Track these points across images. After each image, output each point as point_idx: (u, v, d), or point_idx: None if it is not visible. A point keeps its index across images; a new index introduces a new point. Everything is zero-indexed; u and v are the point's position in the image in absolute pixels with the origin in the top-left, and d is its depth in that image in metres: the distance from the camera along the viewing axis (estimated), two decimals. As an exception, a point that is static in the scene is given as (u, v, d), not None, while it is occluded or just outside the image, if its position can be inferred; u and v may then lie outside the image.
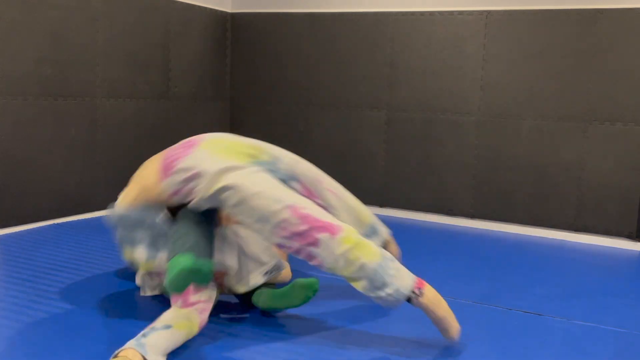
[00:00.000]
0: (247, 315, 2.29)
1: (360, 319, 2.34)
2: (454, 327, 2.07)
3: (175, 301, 1.98)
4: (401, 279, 2.03)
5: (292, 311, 2.37)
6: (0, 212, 3.35)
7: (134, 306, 2.38)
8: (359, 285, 2.03)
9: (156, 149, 2.58)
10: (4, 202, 3.37)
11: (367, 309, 2.45)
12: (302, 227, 2.00)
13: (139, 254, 2.25)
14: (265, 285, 2.32)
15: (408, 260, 3.22)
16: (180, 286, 1.90)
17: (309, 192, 2.35)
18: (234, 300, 2.43)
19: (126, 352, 1.78)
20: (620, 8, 3.74)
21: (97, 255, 2.99)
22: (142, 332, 1.87)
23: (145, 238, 2.23)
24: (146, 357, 1.77)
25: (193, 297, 1.98)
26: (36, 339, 2.02)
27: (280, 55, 4.76)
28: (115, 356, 1.78)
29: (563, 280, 2.97)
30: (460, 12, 4.14)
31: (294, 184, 2.33)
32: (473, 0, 4.11)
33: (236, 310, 2.34)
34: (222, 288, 2.27)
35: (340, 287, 2.72)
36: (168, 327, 1.88)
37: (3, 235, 3.29)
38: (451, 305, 2.54)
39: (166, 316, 1.93)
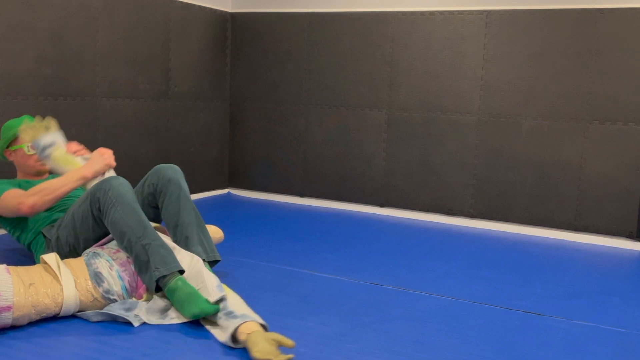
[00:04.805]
0: None
1: (359, 319, 2.34)
2: None
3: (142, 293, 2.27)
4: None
5: (291, 312, 2.38)
6: (0, 212, 3.35)
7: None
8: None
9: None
10: (4, 202, 3.37)
11: (366, 309, 2.45)
12: None
13: None
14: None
15: (408, 260, 3.23)
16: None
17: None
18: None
19: (250, 326, 1.96)
20: (620, 8, 3.74)
21: (97, 255, 2.99)
22: (230, 313, 2.04)
23: None
24: (259, 321, 2.01)
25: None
26: (37, 341, 2.02)
27: (280, 55, 4.76)
28: (245, 336, 1.93)
29: (563, 280, 2.97)
30: (461, 12, 4.14)
31: None
32: (473, 0, 4.11)
33: None
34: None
35: (338, 287, 2.72)
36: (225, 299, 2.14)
37: (3, 234, 3.29)
38: (451, 305, 2.55)
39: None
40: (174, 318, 2.19)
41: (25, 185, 2.67)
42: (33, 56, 3.44)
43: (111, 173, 2.59)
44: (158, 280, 2.19)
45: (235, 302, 2.13)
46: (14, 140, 2.71)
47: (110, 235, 2.42)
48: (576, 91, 3.89)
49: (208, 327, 2.14)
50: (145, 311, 2.19)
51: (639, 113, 3.76)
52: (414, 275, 2.93)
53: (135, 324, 2.14)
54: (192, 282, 2.21)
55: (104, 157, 2.54)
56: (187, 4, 4.47)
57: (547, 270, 3.14)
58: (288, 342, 1.91)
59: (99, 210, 2.31)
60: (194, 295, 2.13)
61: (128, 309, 2.18)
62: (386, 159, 4.46)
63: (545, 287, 2.84)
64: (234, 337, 1.99)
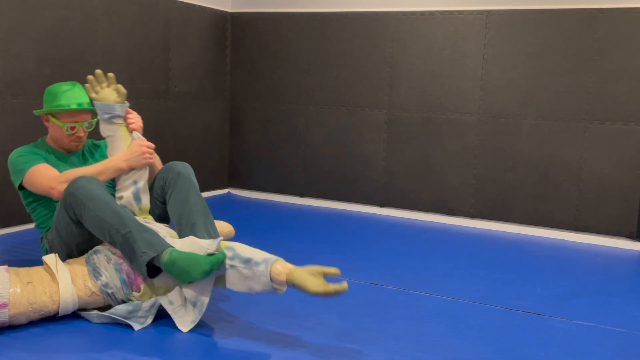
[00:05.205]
0: None
1: (359, 319, 2.34)
2: None
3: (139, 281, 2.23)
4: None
5: (291, 312, 2.38)
6: (0, 212, 3.35)
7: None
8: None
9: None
10: (4, 202, 3.37)
11: (366, 309, 2.45)
12: None
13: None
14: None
15: (408, 260, 3.23)
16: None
17: None
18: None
19: (280, 265, 2.01)
20: (620, 8, 3.74)
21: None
22: (248, 260, 2.05)
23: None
24: (280, 259, 2.06)
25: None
26: (37, 341, 2.02)
27: (280, 55, 4.76)
28: (284, 276, 1.99)
29: (563, 280, 2.97)
30: (461, 12, 4.14)
31: None
32: (473, 0, 4.11)
33: None
34: None
35: (340, 287, 2.72)
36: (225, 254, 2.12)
37: (3, 235, 3.29)
38: (451, 305, 2.55)
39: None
40: (203, 305, 2.15)
41: (53, 161, 2.57)
42: (33, 56, 3.44)
43: (145, 171, 2.49)
44: (152, 261, 2.13)
45: (244, 248, 2.12)
46: (56, 112, 2.56)
47: None
48: (576, 91, 3.89)
49: (237, 288, 2.10)
50: (180, 318, 2.16)
51: (639, 113, 3.76)
52: (414, 275, 2.93)
53: (136, 327, 2.13)
54: (188, 250, 2.17)
55: (144, 155, 2.44)
56: (187, 4, 4.47)
57: (547, 270, 3.14)
58: (332, 270, 1.97)
59: (75, 214, 2.26)
60: (194, 256, 2.08)
61: (131, 312, 2.17)
62: (386, 159, 4.46)
63: (545, 287, 2.84)
64: (272, 283, 2.02)
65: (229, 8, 4.91)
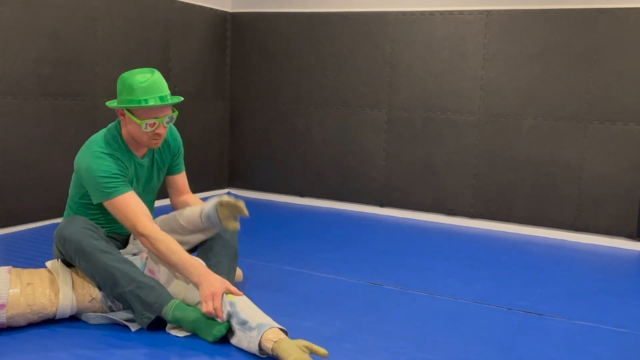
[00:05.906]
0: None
1: (359, 319, 2.34)
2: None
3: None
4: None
5: (291, 312, 2.37)
6: (0, 211, 3.35)
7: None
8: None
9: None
10: (4, 201, 3.37)
11: (366, 310, 2.45)
12: None
13: None
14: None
15: (408, 260, 3.23)
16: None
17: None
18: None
19: (273, 333, 1.94)
20: (620, 8, 3.74)
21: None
22: (244, 323, 1.99)
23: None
24: (278, 326, 1.99)
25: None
26: (37, 341, 2.02)
27: (280, 55, 4.76)
28: (271, 343, 1.91)
29: (563, 280, 2.97)
30: (461, 12, 4.14)
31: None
32: (473, 0, 4.11)
33: None
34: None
35: (338, 287, 2.72)
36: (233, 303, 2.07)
37: (3, 234, 3.29)
38: (451, 305, 2.55)
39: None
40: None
41: (126, 173, 2.31)
42: (33, 56, 3.44)
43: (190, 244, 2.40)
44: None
45: (245, 307, 2.06)
46: (134, 108, 2.23)
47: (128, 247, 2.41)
48: (576, 91, 3.89)
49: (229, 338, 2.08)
50: (177, 333, 2.15)
51: (639, 113, 3.76)
52: (414, 275, 2.93)
53: (133, 328, 2.13)
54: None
55: (211, 295, 2.09)
56: (187, 4, 4.47)
57: (547, 270, 3.14)
58: (321, 350, 1.86)
59: (67, 257, 2.22)
60: (197, 323, 2.07)
61: (128, 318, 2.17)
62: (386, 159, 4.46)
63: (545, 287, 2.84)
64: (260, 348, 1.95)
65: (229, 8, 4.91)
